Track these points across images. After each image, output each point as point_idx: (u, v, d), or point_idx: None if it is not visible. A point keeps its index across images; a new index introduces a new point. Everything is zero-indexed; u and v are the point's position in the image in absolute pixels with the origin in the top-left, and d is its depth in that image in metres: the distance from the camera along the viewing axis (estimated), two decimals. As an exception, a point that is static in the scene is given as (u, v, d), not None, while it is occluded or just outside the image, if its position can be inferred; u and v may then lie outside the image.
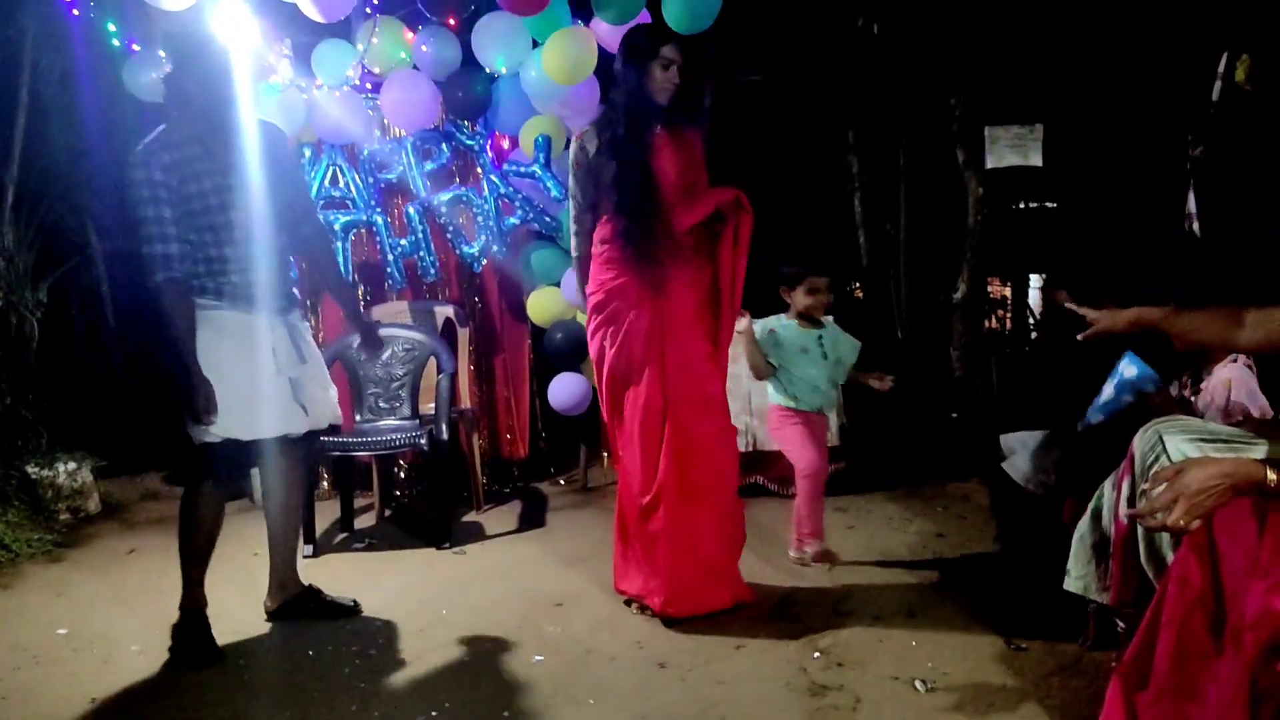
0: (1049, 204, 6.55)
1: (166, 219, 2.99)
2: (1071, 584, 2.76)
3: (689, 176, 3.38)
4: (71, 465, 4.87)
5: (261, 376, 3.13)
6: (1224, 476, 1.83)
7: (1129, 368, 3.07)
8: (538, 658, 3.09)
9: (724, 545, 3.41)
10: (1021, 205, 6.55)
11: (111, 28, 4.63)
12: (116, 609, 3.68)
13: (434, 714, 2.75)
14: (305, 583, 3.55)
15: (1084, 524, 2.74)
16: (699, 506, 3.33)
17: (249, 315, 3.14)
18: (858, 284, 6.89)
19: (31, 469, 4.77)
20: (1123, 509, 2.51)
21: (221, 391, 3.04)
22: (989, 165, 5.57)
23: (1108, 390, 3.12)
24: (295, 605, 3.50)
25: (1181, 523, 1.84)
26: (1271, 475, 1.80)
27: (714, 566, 3.37)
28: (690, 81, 3.35)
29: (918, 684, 2.77)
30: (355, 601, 3.54)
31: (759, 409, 4.85)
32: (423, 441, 4.28)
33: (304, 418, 3.28)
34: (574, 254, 3.55)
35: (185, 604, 3.23)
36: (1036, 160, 5.50)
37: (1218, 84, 4.56)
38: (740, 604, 3.39)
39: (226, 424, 3.07)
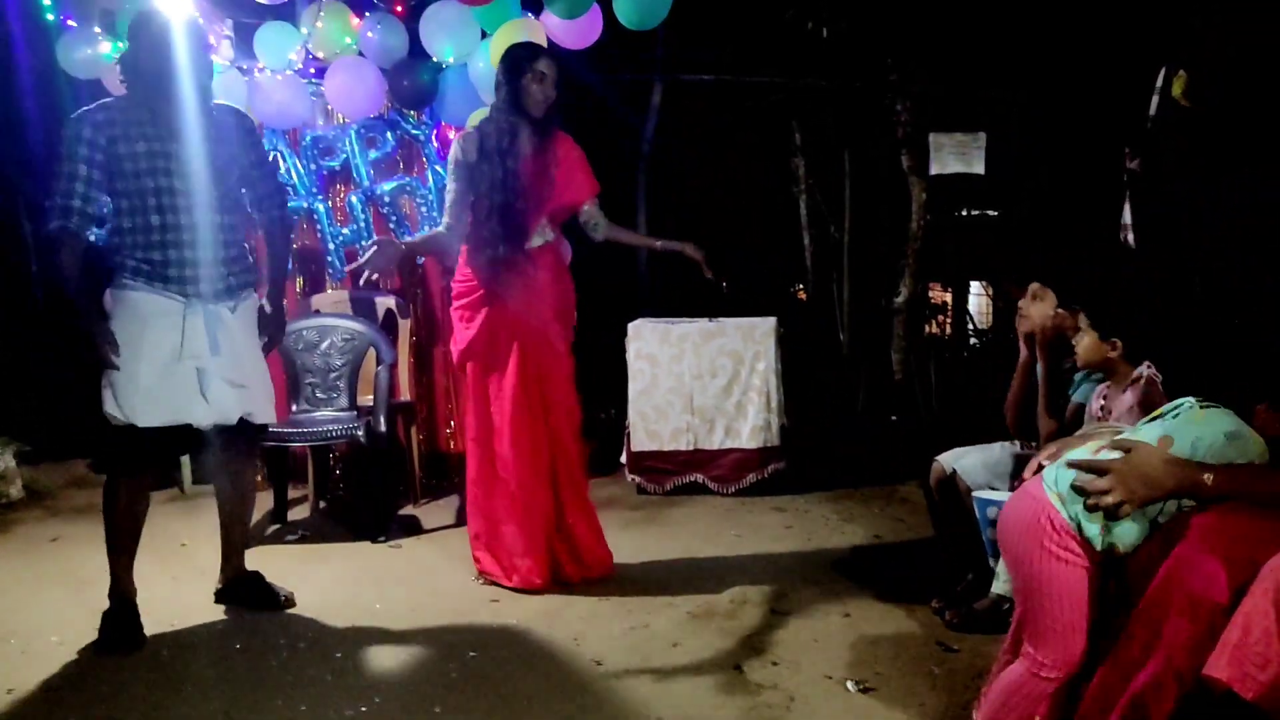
0: (990, 211, 6.67)
1: (80, 175, 2.93)
2: (999, 586, 2.81)
3: (539, 188, 3.54)
4: (-7, 450, 4.73)
5: (164, 363, 3.03)
6: (1169, 475, 1.86)
7: (991, 510, 3.08)
8: (472, 654, 3.06)
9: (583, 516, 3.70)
10: (964, 212, 6.66)
11: (46, 1, 4.49)
12: (37, 598, 3.57)
13: (363, 709, 2.70)
14: (251, 569, 3.50)
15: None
16: (552, 484, 3.63)
17: (164, 298, 3.05)
18: (801, 286, 6.94)
19: (-49, 454, 4.62)
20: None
21: (121, 378, 2.97)
22: (933, 171, 5.65)
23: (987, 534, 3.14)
24: (236, 587, 3.45)
25: (1116, 504, 1.87)
26: (1208, 477, 1.85)
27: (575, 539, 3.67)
28: (557, 94, 3.54)
29: (850, 684, 2.79)
30: (289, 597, 3.46)
31: (700, 408, 4.86)
32: (360, 433, 4.22)
33: (207, 410, 3.12)
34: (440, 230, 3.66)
35: (113, 593, 3.16)
36: (979, 168, 5.59)
37: (1155, 98, 4.66)
38: (605, 576, 3.67)
39: (127, 410, 2.99)
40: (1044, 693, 2.02)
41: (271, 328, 3.40)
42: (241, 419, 3.22)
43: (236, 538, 3.46)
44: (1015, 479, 3.08)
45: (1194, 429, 1.92)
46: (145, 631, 3.17)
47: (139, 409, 2.99)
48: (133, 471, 3.13)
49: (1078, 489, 1.93)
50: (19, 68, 5.10)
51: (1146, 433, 1.97)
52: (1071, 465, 1.96)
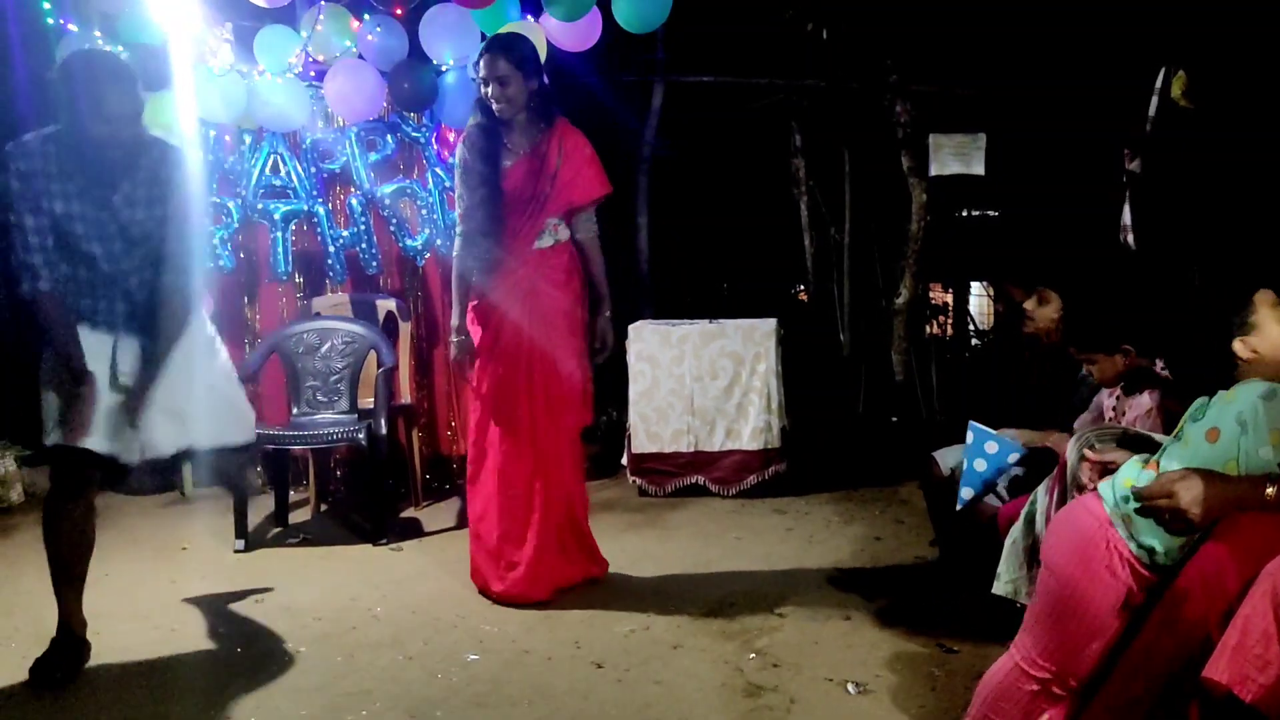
0: (990, 212, 6.66)
1: (28, 227, 2.82)
2: (1001, 587, 2.80)
3: (535, 188, 3.45)
4: (-7, 454, 4.73)
5: (86, 390, 2.90)
6: (1232, 498, 1.87)
7: (989, 444, 3.06)
8: (473, 656, 3.06)
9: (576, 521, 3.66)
10: (964, 213, 6.65)
11: (46, 5, 4.48)
12: (37, 603, 3.56)
13: (364, 713, 2.70)
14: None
15: (1017, 529, 2.78)
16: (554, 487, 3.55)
17: (93, 333, 2.96)
18: (802, 287, 6.93)
19: (-49, 458, 4.62)
20: (1054, 513, 2.55)
21: (49, 402, 2.91)
22: (933, 172, 5.64)
23: (974, 464, 3.11)
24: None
25: (1185, 527, 1.90)
26: (1270, 490, 1.85)
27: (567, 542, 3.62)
28: (518, 92, 3.38)
29: (850, 686, 2.79)
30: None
31: (701, 410, 4.86)
32: (361, 436, 4.22)
33: (136, 443, 2.96)
34: (459, 251, 3.53)
35: (61, 625, 3.02)
36: (979, 169, 5.59)
37: (1154, 99, 4.67)
38: (591, 578, 3.65)
39: (58, 432, 2.90)
40: (1028, 690, 2.06)
41: None
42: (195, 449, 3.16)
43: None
44: (1010, 476, 3.08)
45: (1231, 408, 1.93)
46: (143, 633, 3.16)
47: (69, 430, 2.87)
48: (72, 493, 2.99)
49: (1143, 511, 1.96)
50: (17, 71, 5.09)
51: (1192, 444, 1.97)
52: (1138, 497, 1.97)
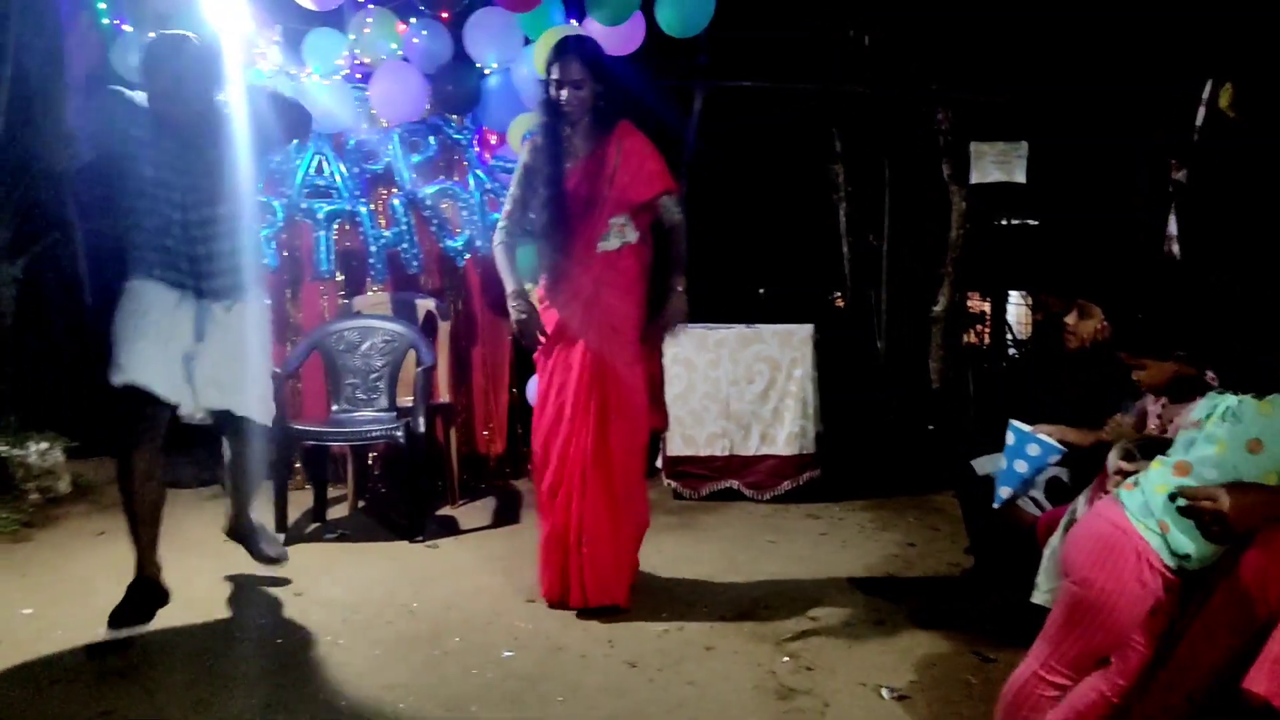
0: (1031, 221, 6.61)
1: (127, 189, 3.17)
2: (1040, 597, 2.78)
3: (593, 189, 3.43)
4: (43, 445, 4.82)
5: (160, 341, 3.17)
6: (1269, 509, 1.89)
7: (1031, 446, 3.04)
8: (507, 653, 3.09)
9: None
10: (1004, 221, 6.60)
11: (101, 5, 4.59)
12: (83, 592, 3.64)
13: (400, 705, 2.74)
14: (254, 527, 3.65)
15: (1056, 539, 2.77)
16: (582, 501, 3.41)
17: (165, 289, 3.20)
18: (838, 294, 6.92)
19: (1, 447, 4.72)
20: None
21: (123, 347, 3.13)
22: (973, 180, 5.61)
23: (1015, 465, 3.08)
24: (236, 533, 3.62)
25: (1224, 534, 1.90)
26: None
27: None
28: (589, 95, 3.38)
29: (884, 692, 2.79)
30: (281, 555, 3.67)
31: (736, 414, 4.86)
32: (399, 434, 4.26)
33: (190, 394, 3.23)
34: (497, 241, 3.57)
35: (137, 571, 3.26)
36: (1020, 177, 5.55)
37: (1201, 110, 4.62)
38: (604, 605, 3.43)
39: (129, 371, 3.11)
40: (1049, 697, 2.07)
41: None
42: (233, 414, 3.34)
43: (236, 501, 3.59)
44: (1048, 478, 3.06)
45: (1274, 423, 1.93)
46: (186, 623, 3.24)
47: (136, 368, 3.11)
48: (139, 438, 3.20)
49: (1186, 511, 1.95)
50: (74, 71, 5.20)
51: (1231, 451, 1.96)
52: (1184, 495, 1.97)
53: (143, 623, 3.19)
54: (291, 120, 3.41)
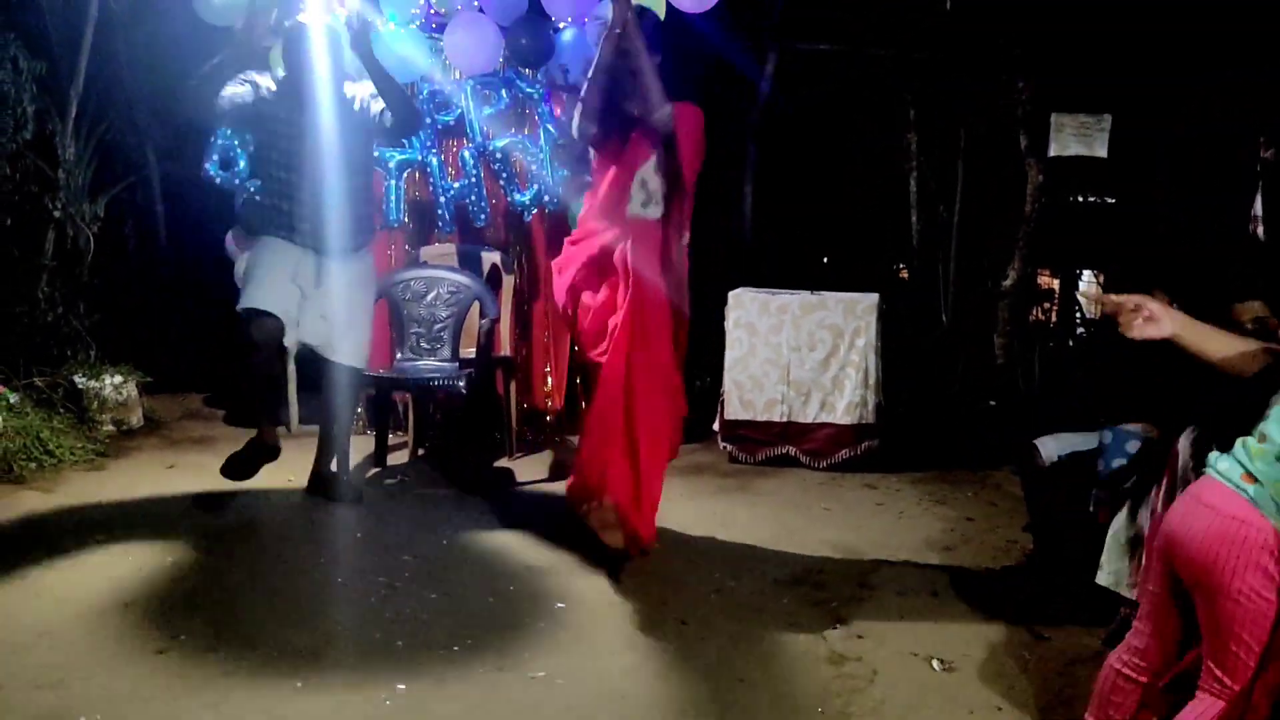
0: (1109, 199, 6.44)
1: (264, 158, 3.94)
2: (1103, 578, 2.75)
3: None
4: (118, 379, 4.97)
5: (280, 277, 3.79)
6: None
7: (1131, 444, 2.97)
8: (560, 605, 3.13)
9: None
10: (1080, 198, 6.44)
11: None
12: (152, 520, 3.76)
13: (455, 649, 2.80)
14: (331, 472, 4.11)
15: (1120, 519, 2.73)
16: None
17: (288, 243, 3.83)
18: (902, 265, 6.83)
19: (79, 379, 4.87)
20: (1159, 506, 2.49)
21: (250, 282, 3.78)
22: (1051, 153, 5.47)
23: (1112, 463, 3.02)
24: (318, 481, 4.09)
25: None
26: None
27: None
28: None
29: (935, 663, 2.78)
30: (360, 494, 4.09)
31: (796, 380, 4.84)
32: (461, 384, 4.32)
33: (297, 332, 3.85)
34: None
35: (256, 435, 3.87)
36: (1101, 151, 5.39)
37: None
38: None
39: (249, 299, 3.73)
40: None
41: None
42: (331, 360, 3.93)
43: (326, 450, 4.09)
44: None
45: None
46: (252, 562, 3.35)
47: (256, 298, 3.73)
48: (259, 347, 3.74)
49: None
50: (156, 13, 5.29)
51: None
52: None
53: (248, 473, 3.82)
54: (403, 118, 3.86)
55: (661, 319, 3.45)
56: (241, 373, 3.86)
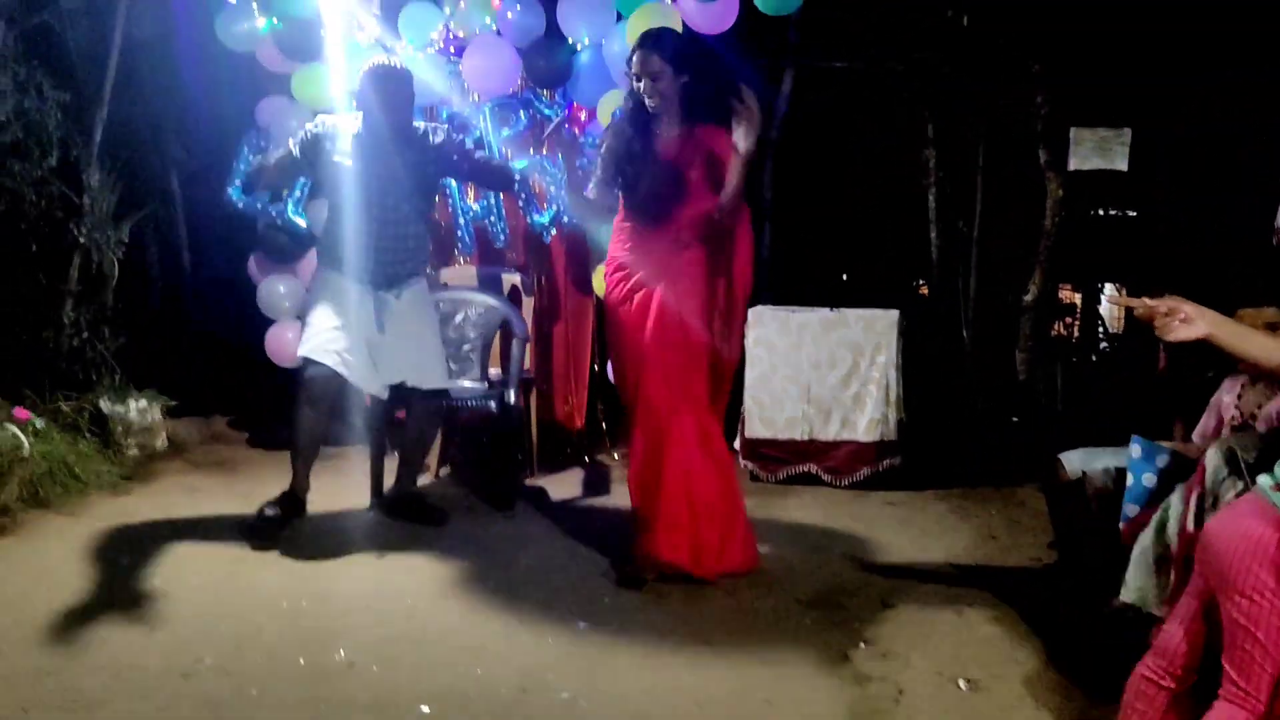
0: (1130, 212, 6.42)
1: (334, 202, 3.91)
2: (1129, 595, 2.72)
3: (690, 173, 3.42)
4: (143, 403, 5.01)
5: (343, 324, 3.76)
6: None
7: (1161, 458, 2.92)
8: (583, 624, 3.13)
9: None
10: (1101, 211, 6.42)
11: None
12: (177, 544, 3.78)
13: (479, 671, 2.79)
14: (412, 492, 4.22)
15: (1147, 536, 2.70)
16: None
17: (347, 281, 3.81)
18: (922, 280, 6.81)
19: (104, 404, 4.91)
20: (1190, 522, 2.47)
21: (312, 326, 3.77)
22: (1071, 166, 5.45)
23: (1143, 478, 2.97)
24: (398, 502, 4.16)
25: None
26: None
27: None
28: (669, 87, 3.37)
29: (961, 683, 2.75)
30: (443, 515, 4.10)
31: (817, 398, 4.83)
32: (492, 405, 4.34)
33: (375, 376, 3.84)
34: (589, 195, 3.63)
35: (290, 486, 3.86)
36: (1122, 165, 5.37)
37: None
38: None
39: (307, 349, 3.75)
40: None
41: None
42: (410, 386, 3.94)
43: (406, 471, 4.17)
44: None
45: None
46: (277, 580, 3.36)
47: (318, 347, 3.74)
48: (313, 400, 3.76)
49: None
50: (179, 40, 5.36)
51: None
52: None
53: (281, 528, 3.75)
54: (497, 180, 4.18)
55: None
56: (292, 420, 3.82)
